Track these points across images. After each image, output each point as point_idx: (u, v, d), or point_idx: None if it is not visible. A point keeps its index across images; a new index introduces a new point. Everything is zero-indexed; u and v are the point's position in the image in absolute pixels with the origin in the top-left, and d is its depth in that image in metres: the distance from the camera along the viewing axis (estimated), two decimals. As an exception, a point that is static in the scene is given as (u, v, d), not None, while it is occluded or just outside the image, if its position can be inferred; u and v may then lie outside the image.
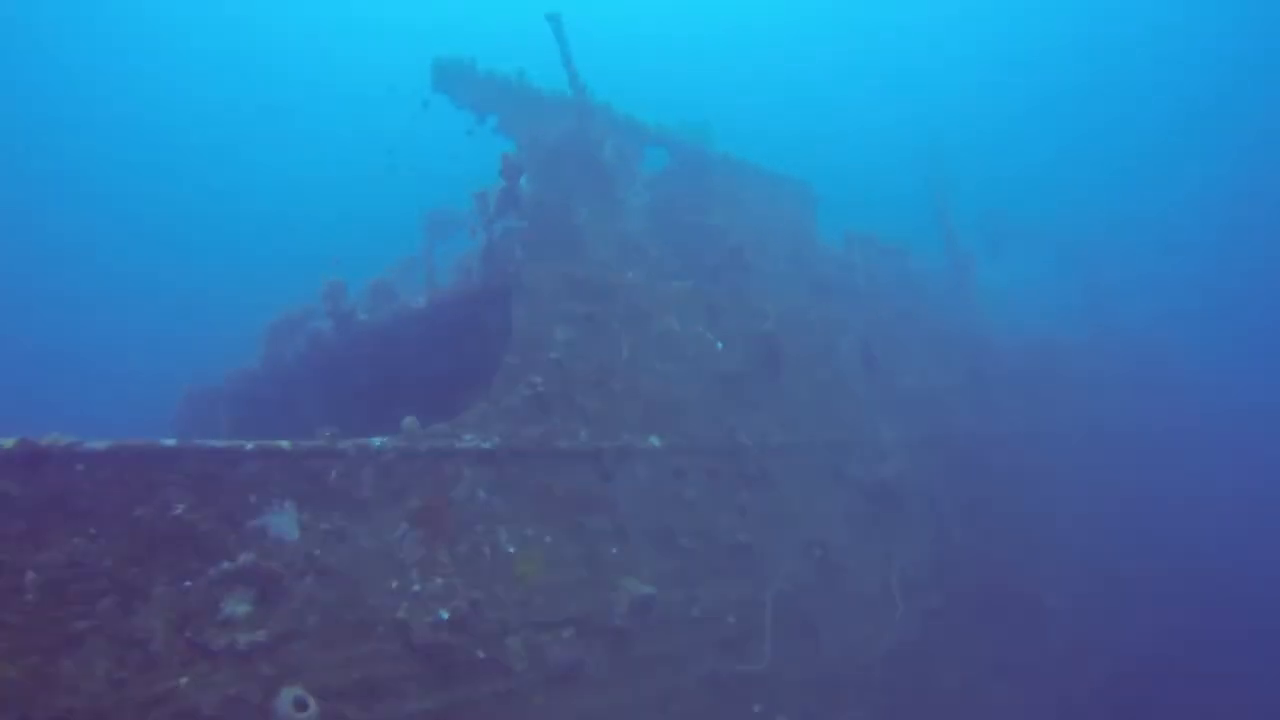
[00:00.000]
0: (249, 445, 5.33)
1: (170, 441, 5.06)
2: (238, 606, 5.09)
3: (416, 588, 5.82)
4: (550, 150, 9.73)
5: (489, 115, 9.37)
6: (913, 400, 10.75)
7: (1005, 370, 12.79)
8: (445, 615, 5.83)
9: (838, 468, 9.35)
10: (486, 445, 6.53)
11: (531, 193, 9.57)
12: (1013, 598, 10.49)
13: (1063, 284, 19.06)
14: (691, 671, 7.23)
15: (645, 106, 11.51)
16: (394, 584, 5.73)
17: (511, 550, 6.43)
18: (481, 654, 5.98)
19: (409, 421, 6.26)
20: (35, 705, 4.26)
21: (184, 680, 4.74)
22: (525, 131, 9.77)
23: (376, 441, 5.95)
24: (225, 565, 5.08)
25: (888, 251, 12.22)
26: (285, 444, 5.50)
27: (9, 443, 4.54)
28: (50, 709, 4.29)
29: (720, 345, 8.80)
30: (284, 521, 5.41)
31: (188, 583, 4.92)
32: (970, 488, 10.91)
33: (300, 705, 5.00)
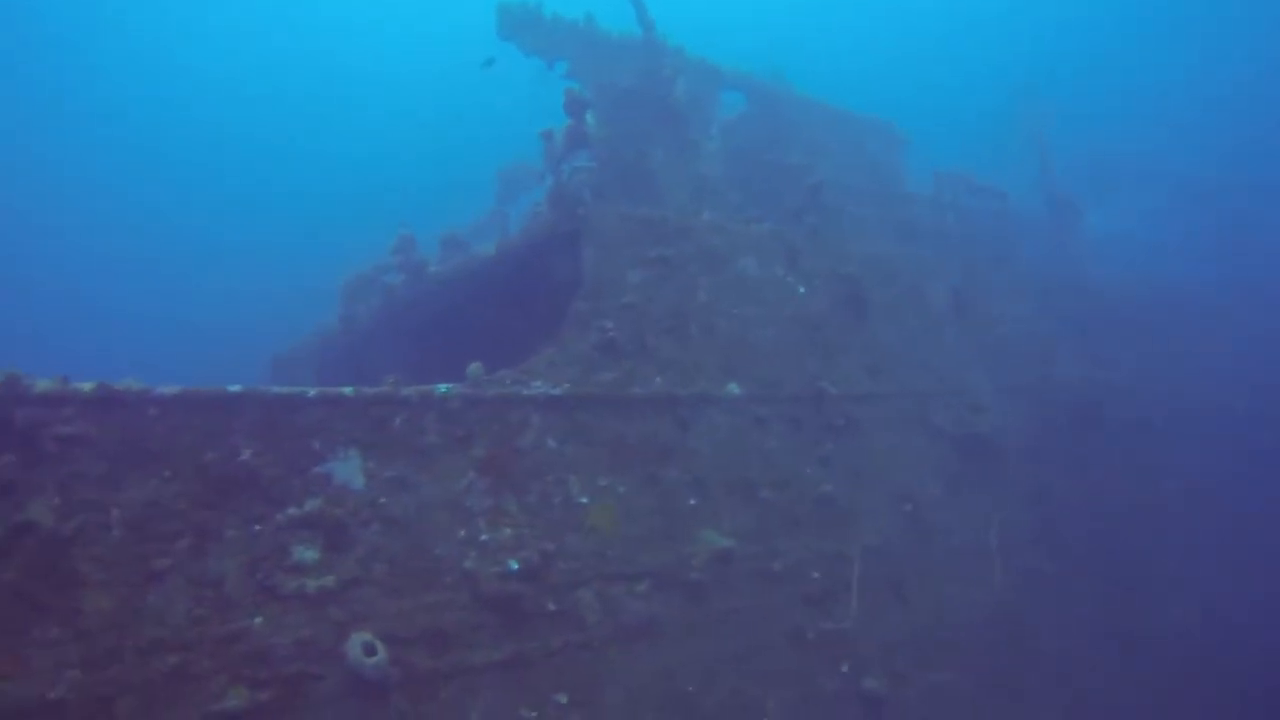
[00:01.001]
0: (310, 392, 5.22)
1: (235, 388, 4.99)
2: (306, 552, 5.03)
3: (484, 537, 5.66)
4: (621, 93, 9.34)
5: (557, 61, 9.02)
6: (1010, 348, 10.01)
7: (1118, 318, 11.79)
8: (515, 566, 5.66)
9: (927, 418, 8.78)
10: (555, 392, 6.29)
11: (603, 137, 9.22)
12: (1124, 562, 9.71)
13: (1185, 227, 17.48)
14: (773, 628, 6.91)
15: (717, 55, 10.96)
16: (461, 533, 5.58)
17: (583, 501, 6.20)
18: (552, 606, 5.79)
19: (474, 368, 6.06)
20: (127, 633, 4.33)
21: (258, 621, 4.74)
22: (595, 76, 9.40)
23: (441, 388, 5.78)
24: (292, 511, 5.02)
25: (982, 191, 11.36)
26: (347, 391, 5.37)
27: (87, 387, 4.57)
28: (139, 638, 4.35)
29: (802, 289, 8.32)
30: (348, 469, 5.29)
31: (257, 527, 4.89)
32: (1077, 442, 10.13)
33: (369, 650, 4.92)
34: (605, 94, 9.34)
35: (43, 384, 4.48)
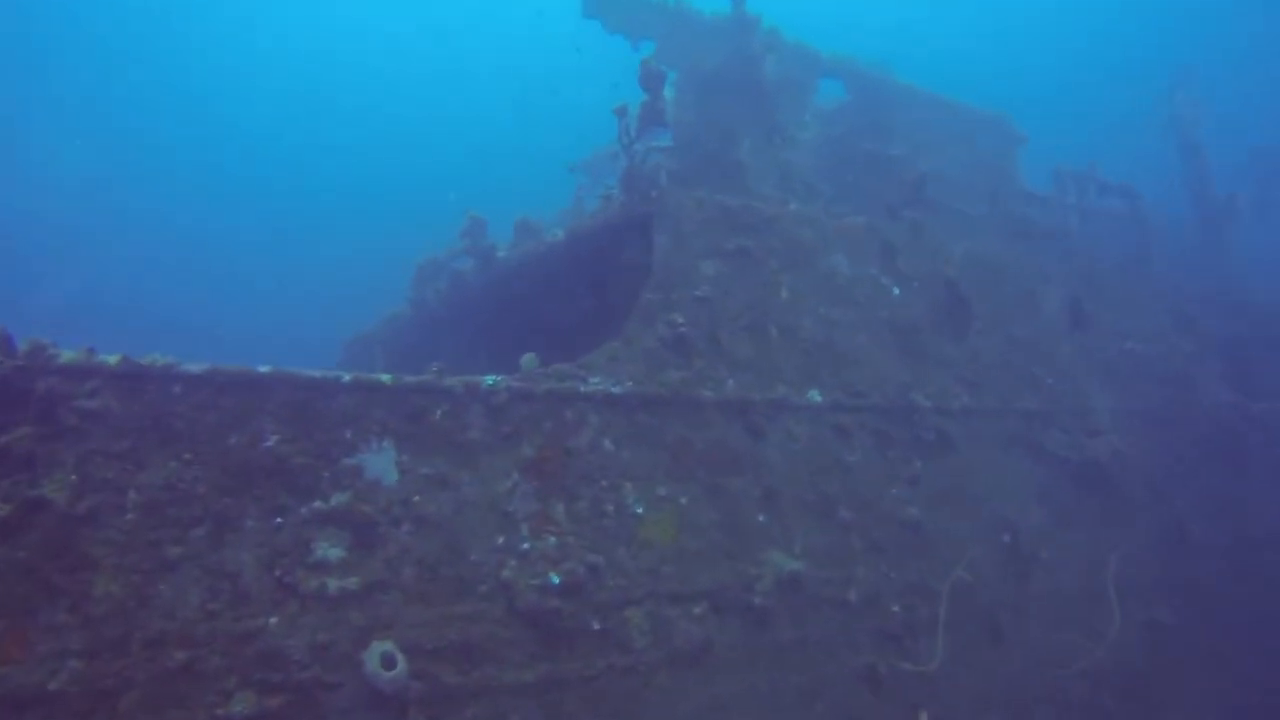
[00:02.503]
0: (345, 377, 4.85)
1: (264, 368, 4.66)
2: (330, 550, 4.66)
3: (525, 546, 5.18)
4: (708, 76, 8.72)
5: (643, 42, 8.48)
6: (1139, 368, 8.90)
7: (1275, 340, 10.39)
8: (556, 579, 5.16)
9: (1035, 441, 7.85)
10: (616, 389, 5.77)
11: (686, 122, 8.64)
12: (1271, 622, 8.46)
13: None
14: (843, 664, 6.21)
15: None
16: (500, 540, 5.12)
17: (639, 511, 5.65)
18: (597, 625, 5.27)
19: (528, 359, 5.60)
20: (135, 624, 4.07)
21: (273, 620, 4.40)
22: (684, 58, 8.82)
23: (488, 379, 5.33)
24: (317, 504, 4.66)
25: (1111, 190, 10.20)
26: (385, 378, 4.98)
27: (113, 360, 4.33)
28: (147, 629, 4.08)
29: (897, 290, 7.54)
30: (381, 462, 4.90)
31: (279, 519, 4.55)
32: (1218, 477, 8.93)
33: (388, 663, 4.51)
34: (692, 77, 8.75)
35: (67, 355, 4.25)
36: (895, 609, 6.51)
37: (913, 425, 7.11)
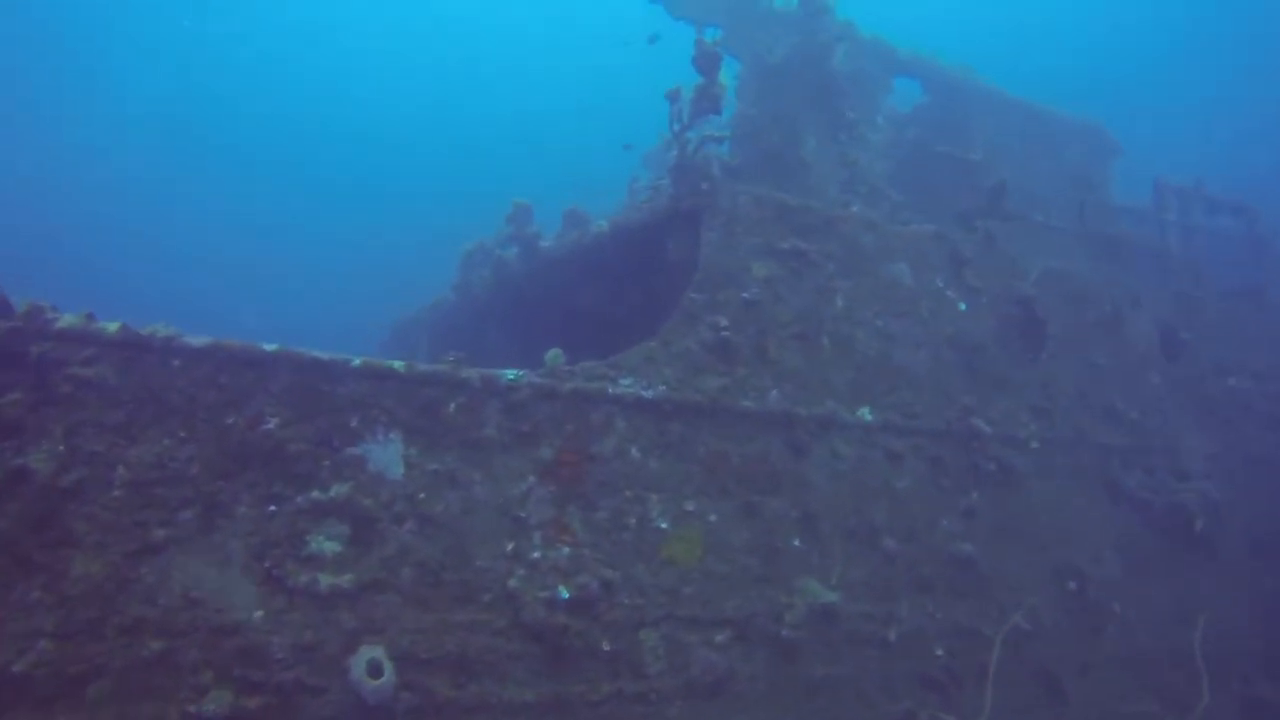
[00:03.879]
0: (355, 362, 4.56)
1: (270, 347, 4.40)
2: (324, 544, 4.38)
3: (536, 555, 4.83)
4: (774, 68, 8.24)
5: (710, 30, 8.04)
6: (1243, 407, 8.05)
7: None
8: (566, 594, 4.79)
9: (1113, 480, 7.14)
10: (648, 394, 5.37)
11: (748, 114, 8.17)
12: None
13: None
14: (877, 709, 5.69)
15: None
16: (509, 546, 4.78)
17: (663, 526, 5.25)
18: (607, 646, 4.89)
19: (553, 354, 5.25)
20: (112, 607, 3.85)
21: (258, 614, 4.14)
22: (751, 48, 8.36)
23: (509, 374, 4.99)
24: (315, 494, 4.39)
25: (1223, 207, 9.29)
26: (398, 365, 4.68)
27: (112, 328, 4.12)
28: (124, 614, 3.86)
29: (963, 306, 6.95)
30: (387, 454, 4.60)
31: (273, 507, 4.29)
32: None
33: (374, 670, 4.20)
34: (757, 68, 8.28)
35: (66, 319, 4.05)
36: (939, 653, 5.95)
37: (971, 453, 6.52)
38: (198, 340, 4.26)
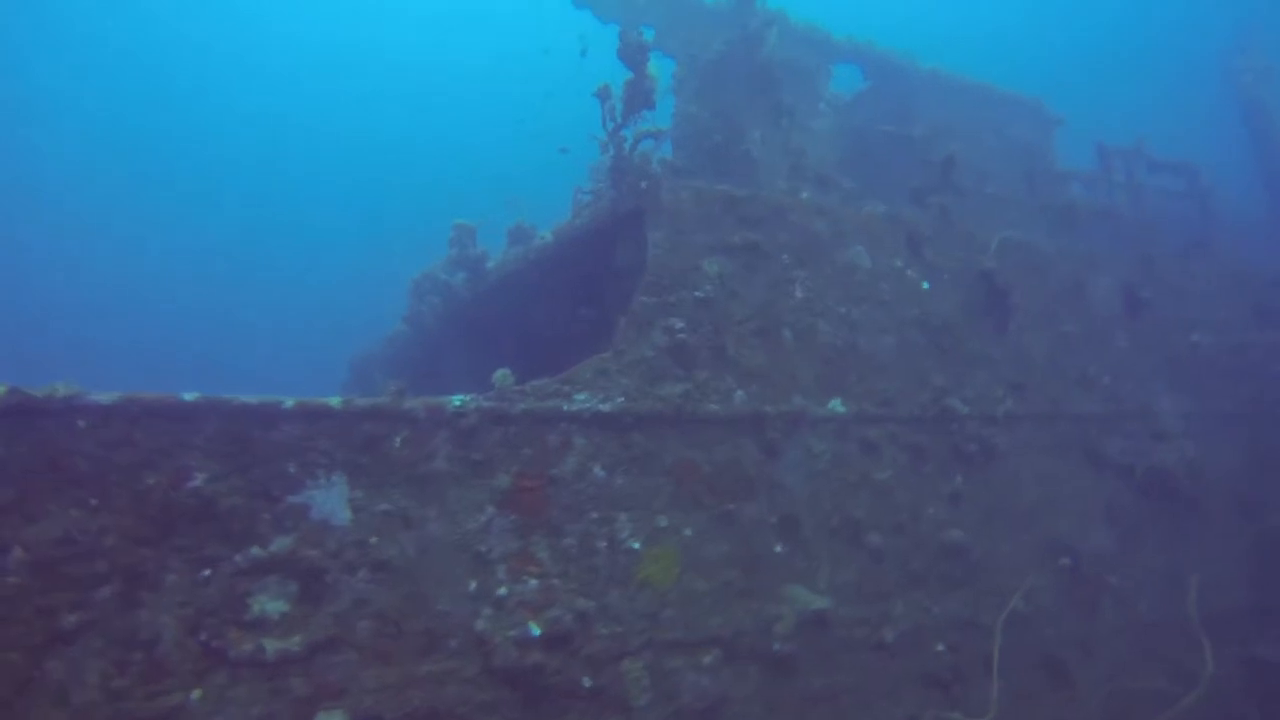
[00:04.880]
0: (287, 403, 4.20)
1: (190, 396, 4.03)
2: (269, 604, 4.02)
3: (503, 591, 4.50)
4: (710, 63, 8.05)
5: (640, 29, 7.84)
6: (1209, 362, 7.96)
7: None
8: (538, 630, 4.46)
9: (1094, 448, 6.97)
10: (605, 407, 5.07)
11: (689, 113, 7.96)
12: None
13: None
14: (882, 716, 5.40)
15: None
16: (472, 585, 4.44)
17: (635, 546, 4.94)
18: (588, 682, 4.56)
19: (501, 375, 4.92)
20: (9, 716, 3.41)
21: (195, 695, 3.78)
22: (685, 47, 8.17)
23: (454, 400, 4.66)
24: (254, 552, 4.03)
25: (1164, 168, 9.26)
26: (334, 402, 4.33)
27: None
28: None
29: (926, 285, 6.75)
30: (331, 499, 4.24)
31: (206, 572, 3.91)
32: None
33: (335, 741, 3.83)
34: (693, 66, 8.09)
35: None
36: (940, 649, 5.69)
37: (950, 436, 6.30)
38: (105, 396, 3.87)
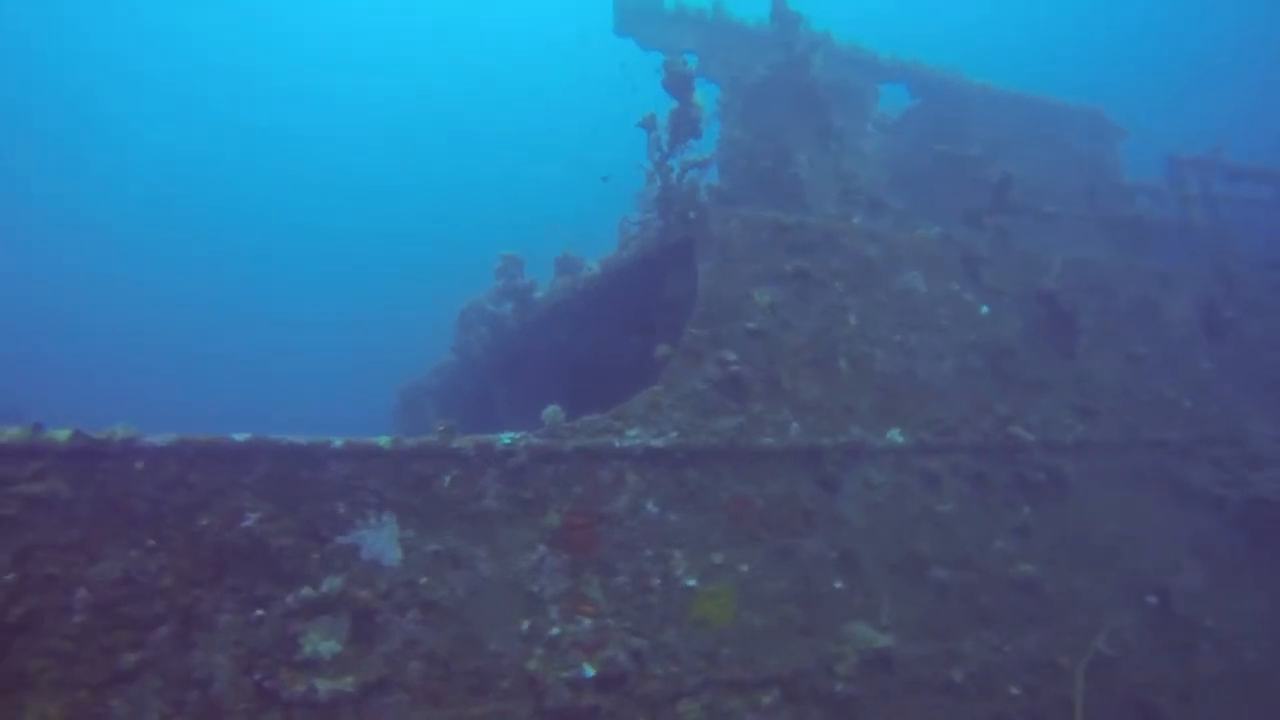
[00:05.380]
0: (337, 443, 4.22)
1: (241, 437, 4.07)
2: (321, 644, 4.00)
3: (555, 631, 4.42)
4: (755, 87, 7.99)
5: (684, 57, 7.85)
6: None
7: None
8: (592, 671, 4.36)
9: (1177, 477, 6.60)
10: (658, 443, 4.98)
11: (734, 138, 7.90)
12: None
13: None
14: None
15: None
16: (524, 625, 4.37)
17: (691, 584, 4.82)
18: (644, 724, 4.42)
19: (551, 411, 4.88)
20: None
21: None
22: (728, 70, 8.14)
23: (504, 438, 4.63)
24: (306, 592, 4.02)
25: (1245, 176, 8.81)
26: (383, 441, 4.33)
27: (62, 435, 3.82)
28: None
29: (985, 309, 6.54)
30: (381, 539, 4.23)
31: (259, 612, 3.92)
32: None
33: (387, 787, 3.78)
34: (738, 91, 8.03)
35: (8, 432, 3.74)
36: (1015, 691, 5.41)
37: (1016, 465, 6.04)
38: (161, 438, 3.95)
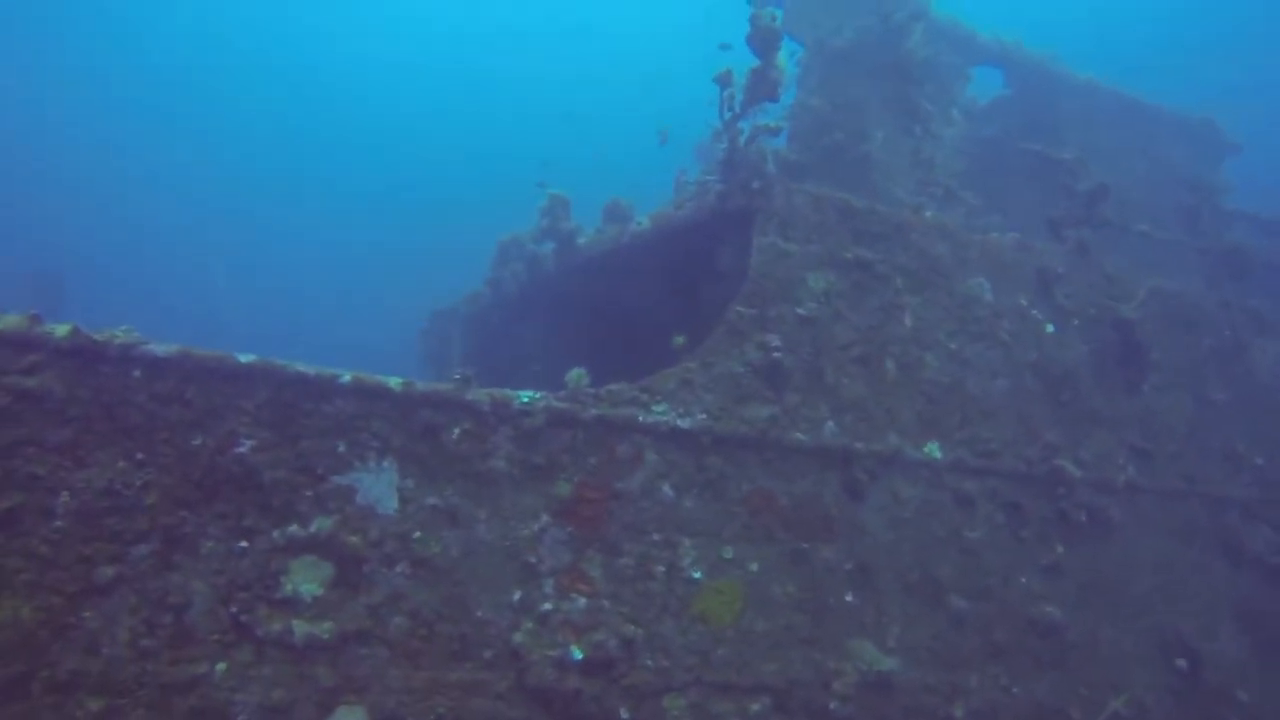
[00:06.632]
0: (344, 378, 3.96)
1: (246, 358, 3.83)
2: (303, 585, 3.81)
3: (548, 606, 4.19)
4: (838, 54, 7.45)
5: (772, 9, 7.31)
6: None
7: None
8: (580, 654, 4.14)
9: (1232, 537, 6.20)
10: (684, 423, 4.69)
11: (810, 105, 7.42)
12: None
13: None
14: None
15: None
16: (516, 596, 4.15)
17: (696, 576, 4.56)
18: (625, 714, 4.22)
19: (575, 374, 4.59)
20: (43, 659, 3.31)
21: (220, 667, 3.61)
22: (812, 30, 7.59)
23: (523, 396, 4.35)
24: (294, 529, 3.82)
25: None
26: (393, 382, 4.07)
27: (61, 331, 3.59)
28: (57, 668, 3.32)
29: (1051, 328, 6.10)
30: (379, 485, 4.00)
31: (244, 543, 3.72)
32: None
33: (351, 742, 3.62)
34: (820, 54, 7.51)
35: (7, 320, 3.52)
36: None
37: (1057, 499, 5.68)
38: (162, 348, 3.71)
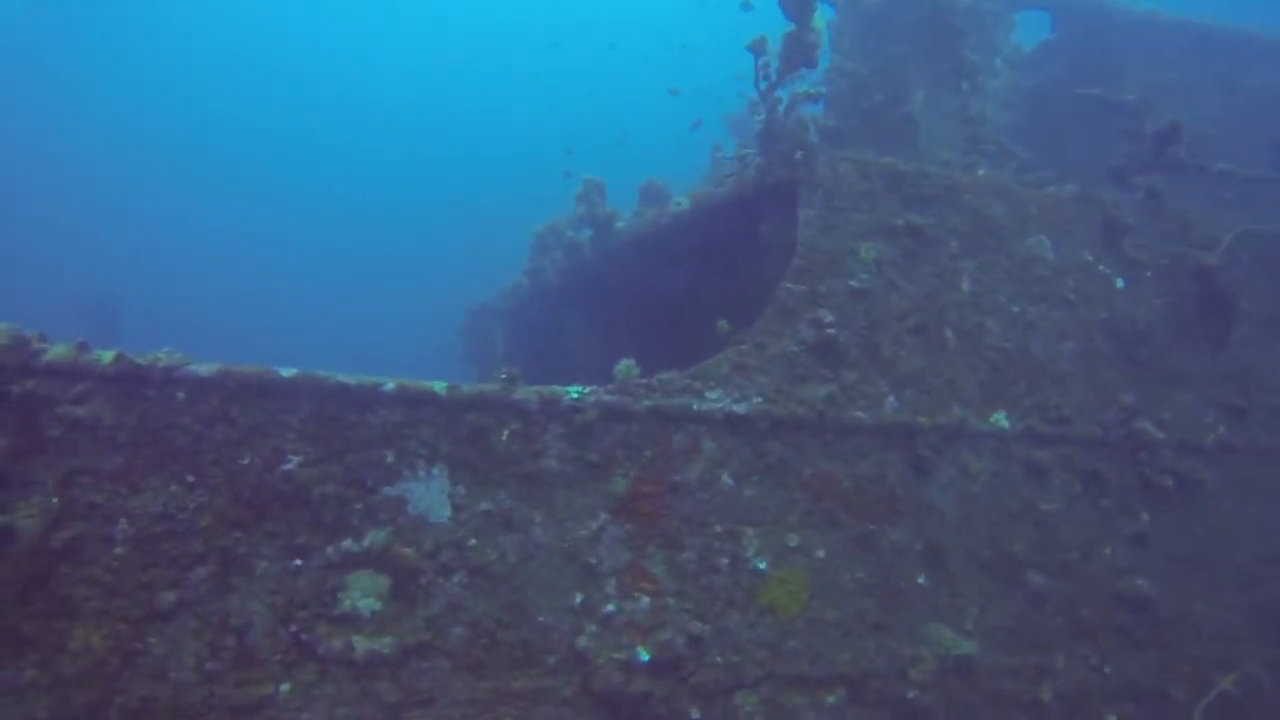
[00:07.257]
0: (388, 385, 3.86)
1: (287, 372, 3.74)
2: (360, 601, 3.74)
3: (610, 608, 4.07)
4: (876, 10, 7.11)
5: None
6: None
7: None
8: (646, 655, 4.01)
9: None
10: (740, 408, 4.51)
11: (846, 69, 7.10)
12: None
13: None
14: None
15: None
16: (577, 599, 4.03)
17: (761, 566, 4.40)
18: (697, 714, 4.09)
19: (624, 366, 4.44)
20: (115, 686, 3.33)
21: (284, 688, 3.56)
22: None
23: (572, 392, 4.21)
24: (348, 544, 3.74)
25: None
26: (438, 387, 3.95)
27: (106, 358, 3.55)
28: (129, 694, 3.32)
29: (1121, 282, 5.77)
30: (430, 494, 3.90)
31: (298, 561, 3.66)
32: None
33: (419, 759, 3.54)
34: (855, 13, 7.18)
35: (54, 350, 3.49)
36: (1111, 719, 4.89)
37: (1139, 465, 5.37)
38: (204, 368, 3.65)
